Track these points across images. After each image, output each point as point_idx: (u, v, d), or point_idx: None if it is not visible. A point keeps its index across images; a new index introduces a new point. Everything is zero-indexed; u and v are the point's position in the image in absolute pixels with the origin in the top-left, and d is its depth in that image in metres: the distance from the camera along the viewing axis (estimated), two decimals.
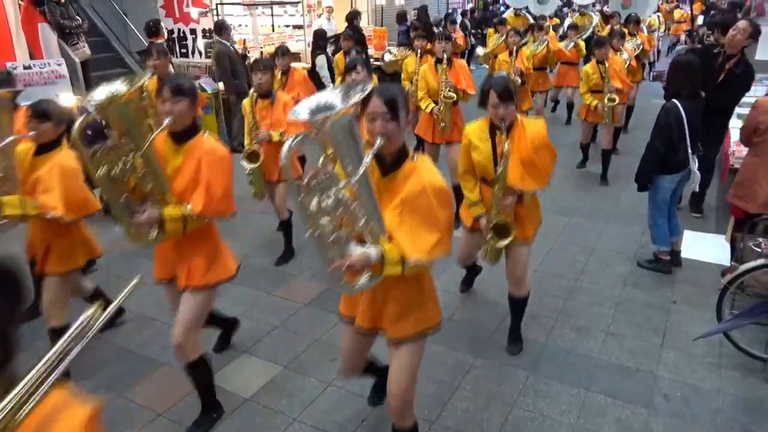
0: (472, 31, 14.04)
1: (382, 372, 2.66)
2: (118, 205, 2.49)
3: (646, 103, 8.86)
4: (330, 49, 7.84)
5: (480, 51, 8.72)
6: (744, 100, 5.53)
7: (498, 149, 3.02)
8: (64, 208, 2.81)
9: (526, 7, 11.36)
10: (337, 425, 2.90)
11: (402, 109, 1.99)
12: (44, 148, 2.95)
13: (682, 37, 15.46)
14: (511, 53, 6.93)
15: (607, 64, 5.99)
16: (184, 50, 7.92)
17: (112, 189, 2.47)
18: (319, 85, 7.52)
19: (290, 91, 5.36)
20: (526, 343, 3.52)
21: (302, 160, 5.72)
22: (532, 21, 10.34)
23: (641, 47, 8.14)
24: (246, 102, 4.40)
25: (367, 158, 1.84)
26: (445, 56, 5.00)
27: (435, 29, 9.86)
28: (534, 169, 2.97)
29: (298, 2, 9.92)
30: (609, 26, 9.70)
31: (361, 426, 2.88)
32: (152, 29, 7.43)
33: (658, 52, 12.17)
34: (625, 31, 8.11)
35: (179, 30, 7.82)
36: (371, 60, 7.79)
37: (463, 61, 5.31)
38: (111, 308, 1.42)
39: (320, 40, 7.72)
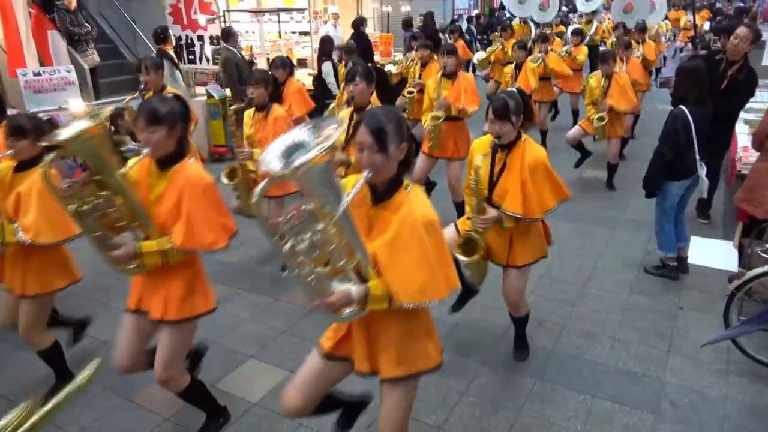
0: (478, 37, 14.09)
1: (345, 406, 2.54)
2: (94, 239, 2.37)
3: (652, 109, 8.86)
4: (336, 55, 7.87)
5: (477, 57, 8.69)
6: (751, 105, 5.52)
7: (496, 167, 2.98)
8: (34, 232, 2.66)
9: (531, 16, 11.34)
10: None
11: (393, 139, 1.86)
12: (24, 165, 2.78)
13: (687, 45, 15.42)
14: (517, 67, 6.86)
15: (611, 80, 5.89)
16: (191, 57, 7.97)
17: (85, 224, 2.34)
18: (326, 91, 7.56)
19: (284, 104, 5.30)
20: (533, 349, 3.52)
21: None
22: (534, 30, 10.30)
23: (641, 57, 8.02)
24: (247, 113, 4.32)
25: (347, 197, 1.75)
26: (444, 69, 4.90)
27: (441, 35, 9.90)
28: (525, 192, 2.88)
29: (305, 9, 9.98)
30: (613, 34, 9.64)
31: (367, 430, 2.88)
32: (160, 36, 7.50)
33: (664, 58, 12.13)
34: (632, 40, 8.02)
35: (187, 37, 7.87)
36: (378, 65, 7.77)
37: (470, 75, 5.20)
38: (51, 404, 1.35)
39: (326, 46, 7.76)
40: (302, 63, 10.07)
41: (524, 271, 3.18)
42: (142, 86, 4.73)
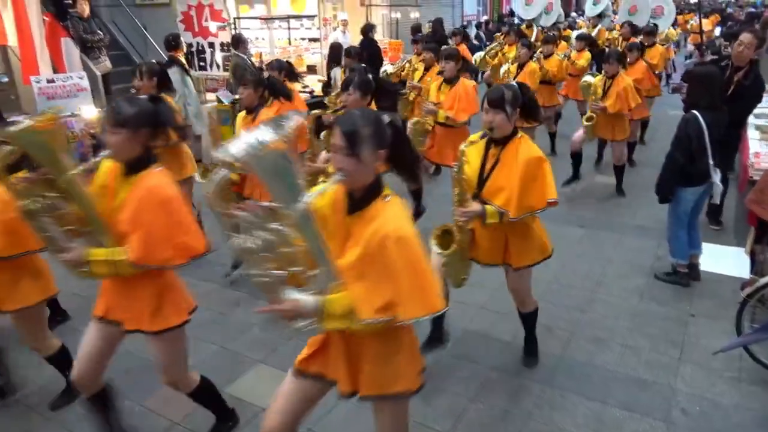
0: (487, 42, 14.08)
1: None
2: (44, 239, 2.28)
3: (663, 115, 8.81)
4: (345, 61, 7.90)
5: (477, 56, 8.62)
6: (762, 110, 5.49)
7: (488, 163, 2.86)
8: None
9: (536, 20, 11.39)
10: None
11: (368, 144, 1.75)
12: None
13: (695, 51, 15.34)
14: (520, 66, 6.76)
15: (613, 81, 5.80)
16: (202, 63, 8.05)
17: (34, 223, 2.25)
18: None
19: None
20: (542, 355, 3.50)
21: None
22: (535, 32, 10.29)
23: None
24: (239, 116, 4.28)
25: (308, 198, 1.64)
26: (432, 72, 4.90)
27: (450, 40, 9.90)
28: (520, 190, 2.76)
29: (314, 16, 10.05)
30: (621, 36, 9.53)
31: None
32: (171, 43, 7.57)
33: (673, 63, 12.05)
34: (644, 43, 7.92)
35: (198, 44, 7.94)
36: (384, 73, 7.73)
37: (470, 82, 5.04)
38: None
39: (336, 53, 7.80)
40: (312, 69, 10.13)
41: (523, 273, 3.10)
42: (134, 91, 4.68)
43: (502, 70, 6.97)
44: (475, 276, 3.26)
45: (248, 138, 1.57)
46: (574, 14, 18.09)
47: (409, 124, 4.89)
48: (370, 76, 4.50)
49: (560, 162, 7.12)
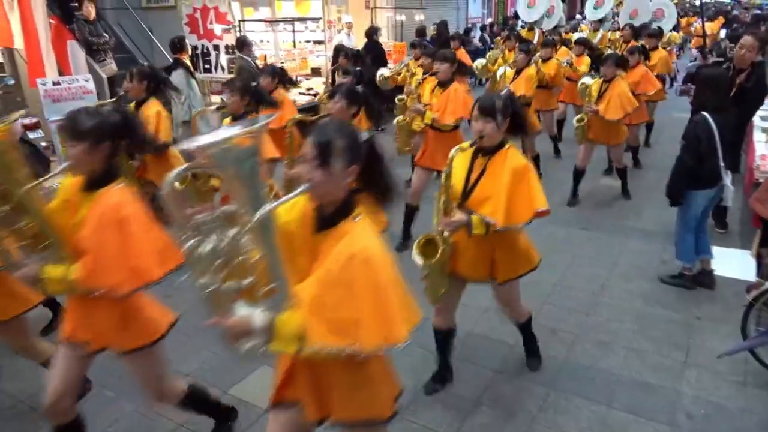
0: (491, 45, 14.08)
1: None
2: None
3: (669, 118, 8.81)
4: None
5: (479, 63, 8.57)
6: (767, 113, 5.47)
7: (474, 173, 2.75)
8: None
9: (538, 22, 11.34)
10: None
11: (339, 157, 1.66)
12: None
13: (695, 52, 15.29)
14: (517, 72, 6.61)
15: (609, 84, 5.67)
16: (207, 66, 8.09)
17: None
18: None
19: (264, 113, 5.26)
20: (547, 358, 3.49)
21: None
22: (537, 36, 10.24)
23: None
24: (224, 121, 4.19)
25: (270, 205, 1.52)
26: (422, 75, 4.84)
27: (457, 42, 9.90)
28: (508, 200, 2.65)
29: (319, 18, 10.07)
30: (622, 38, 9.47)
31: None
32: (177, 46, 7.62)
33: (676, 67, 11.99)
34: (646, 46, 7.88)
35: (203, 46, 7.98)
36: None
37: (462, 87, 4.94)
38: None
39: (340, 55, 7.81)
40: (316, 72, 10.16)
41: (512, 285, 3.01)
42: (122, 93, 4.61)
43: (499, 73, 6.88)
44: None
45: (217, 133, 1.49)
46: (579, 16, 18.05)
47: (394, 122, 4.86)
48: (360, 85, 4.48)
49: (564, 163, 7.13)
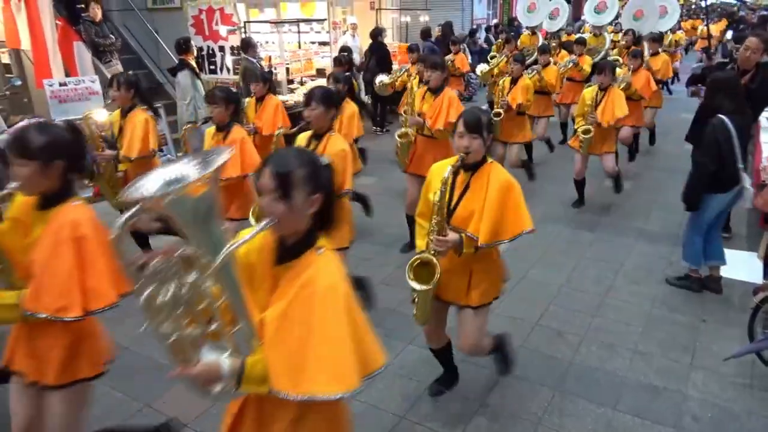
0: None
1: None
2: None
3: (675, 118, 8.79)
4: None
5: (480, 69, 8.52)
6: None
7: (456, 190, 2.65)
8: None
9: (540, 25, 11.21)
10: None
11: (301, 188, 1.55)
12: None
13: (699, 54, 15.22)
14: (513, 81, 6.37)
15: (605, 93, 5.54)
16: (212, 67, 8.11)
17: None
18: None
19: (258, 120, 5.22)
20: (552, 360, 3.48)
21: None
22: (542, 40, 10.13)
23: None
24: (208, 131, 4.13)
25: (231, 246, 1.44)
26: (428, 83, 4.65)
27: (458, 46, 9.89)
28: (493, 217, 2.58)
29: (324, 20, 10.08)
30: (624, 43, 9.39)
31: None
32: (182, 47, 7.64)
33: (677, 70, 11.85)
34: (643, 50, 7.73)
35: (208, 47, 8.01)
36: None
37: (454, 93, 4.80)
38: None
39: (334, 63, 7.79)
40: (321, 73, 10.15)
41: (483, 311, 2.83)
42: (109, 101, 4.58)
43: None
44: None
45: (167, 173, 1.38)
46: (584, 17, 18.00)
47: (396, 136, 4.83)
48: (349, 91, 4.46)
49: (561, 165, 7.10)
